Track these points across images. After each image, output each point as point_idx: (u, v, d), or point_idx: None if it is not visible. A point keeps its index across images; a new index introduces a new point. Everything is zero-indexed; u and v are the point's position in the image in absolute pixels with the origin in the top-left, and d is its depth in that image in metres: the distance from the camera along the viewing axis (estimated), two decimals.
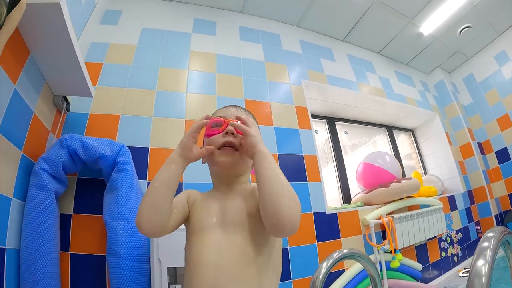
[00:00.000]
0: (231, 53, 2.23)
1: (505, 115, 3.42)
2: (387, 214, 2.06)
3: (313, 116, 2.84)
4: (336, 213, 1.95)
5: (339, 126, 3.08)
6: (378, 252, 1.89)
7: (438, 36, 3.16)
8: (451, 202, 2.96)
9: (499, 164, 3.49)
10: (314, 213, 1.87)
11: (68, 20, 1.04)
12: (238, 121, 0.71)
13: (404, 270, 2.05)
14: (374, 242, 1.89)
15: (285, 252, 1.65)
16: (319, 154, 2.13)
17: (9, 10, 0.74)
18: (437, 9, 2.79)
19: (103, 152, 1.26)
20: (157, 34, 2.09)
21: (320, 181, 2.01)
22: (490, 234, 0.51)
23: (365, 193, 2.26)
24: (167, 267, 1.14)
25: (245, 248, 0.63)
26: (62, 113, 1.47)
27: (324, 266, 0.87)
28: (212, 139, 0.73)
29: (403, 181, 2.17)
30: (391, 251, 1.91)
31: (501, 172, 3.46)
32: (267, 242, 0.67)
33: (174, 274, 1.15)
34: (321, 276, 0.85)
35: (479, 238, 3.05)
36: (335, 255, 0.91)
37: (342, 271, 1.77)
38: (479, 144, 3.65)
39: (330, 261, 0.89)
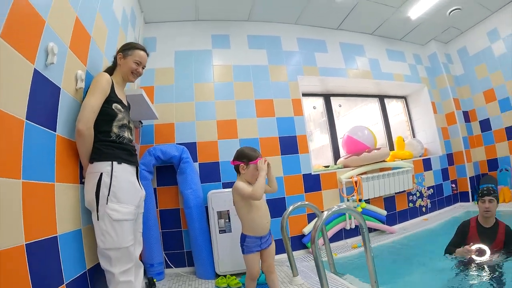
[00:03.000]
0: (243, 62, 2.98)
1: (491, 90, 3.85)
2: (358, 175, 2.95)
3: (311, 94, 3.62)
4: (319, 174, 2.90)
5: (334, 100, 3.79)
6: (348, 201, 2.85)
7: (428, 18, 3.52)
8: (426, 163, 3.70)
9: (482, 132, 4.03)
10: (303, 174, 2.84)
11: (145, 95, 1.89)
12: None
13: (370, 214, 2.98)
14: (345, 194, 2.84)
15: (282, 200, 2.68)
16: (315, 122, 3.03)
17: None
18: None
19: (174, 153, 2.28)
20: (186, 55, 2.88)
21: (308, 152, 2.92)
22: (341, 206, 1.41)
23: (345, 158, 3.14)
24: (217, 211, 2.21)
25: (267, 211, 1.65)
26: (139, 129, 2.45)
27: (291, 209, 1.84)
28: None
29: (374, 151, 3.00)
30: (356, 200, 2.85)
31: (483, 140, 4.02)
32: None
33: (220, 215, 2.22)
34: (288, 213, 1.82)
35: (453, 194, 3.81)
36: (297, 203, 1.87)
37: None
38: (466, 113, 4.14)
39: (296, 205, 1.85)
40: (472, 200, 3.84)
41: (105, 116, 1.32)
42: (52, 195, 1.13)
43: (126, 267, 1.28)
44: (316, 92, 3.69)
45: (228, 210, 2.22)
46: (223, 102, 2.79)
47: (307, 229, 2.64)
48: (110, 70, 1.53)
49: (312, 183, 2.84)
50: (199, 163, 2.57)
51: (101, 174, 1.23)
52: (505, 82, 3.67)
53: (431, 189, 3.67)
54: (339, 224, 2.82)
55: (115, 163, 1.27)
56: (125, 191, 1.28)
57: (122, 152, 1.34)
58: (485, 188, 1.89)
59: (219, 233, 2.22)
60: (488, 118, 3.93)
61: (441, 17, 3.58)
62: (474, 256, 1.74)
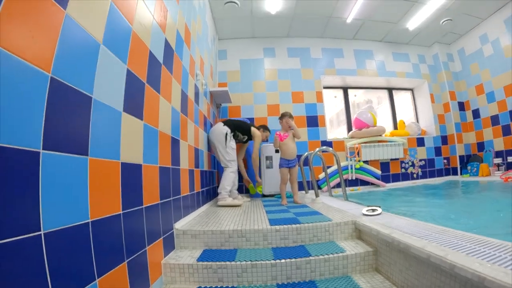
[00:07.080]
0: (284, 66, 4.50)
1: (480, 84, 4.82)
2: (359, 143, 4.34)
3: (334, 87, 5.01)
4: (332, 141, 4.37)
5: (351, 92, 5.13)
6: (351, 160, 4.27)
7: (424, 27, 4.63)
8: (419, 141, 4.88)
9: (473, 119, 5.02)
10: (321, 140, 4.33)
11: (228, 91, 3.53)
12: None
13: (367, 171, 4.38)
14: (348, 155, 4.27)
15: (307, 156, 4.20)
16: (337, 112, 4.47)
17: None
18: (415, 15, 4.30)
19: None
20: (247, 61, 4.49)
21: (325, 126, 4.39)
22: (313, 151, 2.92)
23: (352, 132, 4.54)
24: (265, 156, 3.84)
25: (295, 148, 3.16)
26: (219, 109, 4.14)
27: (305, 154, 3.38)
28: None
29: (371, 128, 4.35)
30: (356, 160, 4.27)
31: (474, 126, 5.02)
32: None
33: (266, 158, 3.85)
34: (303, 157, 3.36)
35: (445, 168, 5.08)
36: (310, 151, 3.40)
37: (330, 166, 4.24)
38: (461, 103, 5.14)
39: (309, 152, 3.39)
40: (460, 174, 4.94)
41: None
42: (193, 152, 2.81)
43: (235, 168, 2.97)
44: (337, 85, 5.07)
45: (272, 156, 3.83)
46: (271, 93, 4.37)
47: (321, 175, 4.15)
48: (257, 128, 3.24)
49: (327, 146, 4.30)
50: None
51: (226, 133, 2.92)
52: (491, 79, 4.62)
53: (422, 161, 4.86)
54: (343, 176, 4.26)
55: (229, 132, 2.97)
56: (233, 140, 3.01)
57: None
58: None
59: (266, 168, 3.85)
60: (478, 108, 4.90)
61: (436, 27, 4.64)
62: None
